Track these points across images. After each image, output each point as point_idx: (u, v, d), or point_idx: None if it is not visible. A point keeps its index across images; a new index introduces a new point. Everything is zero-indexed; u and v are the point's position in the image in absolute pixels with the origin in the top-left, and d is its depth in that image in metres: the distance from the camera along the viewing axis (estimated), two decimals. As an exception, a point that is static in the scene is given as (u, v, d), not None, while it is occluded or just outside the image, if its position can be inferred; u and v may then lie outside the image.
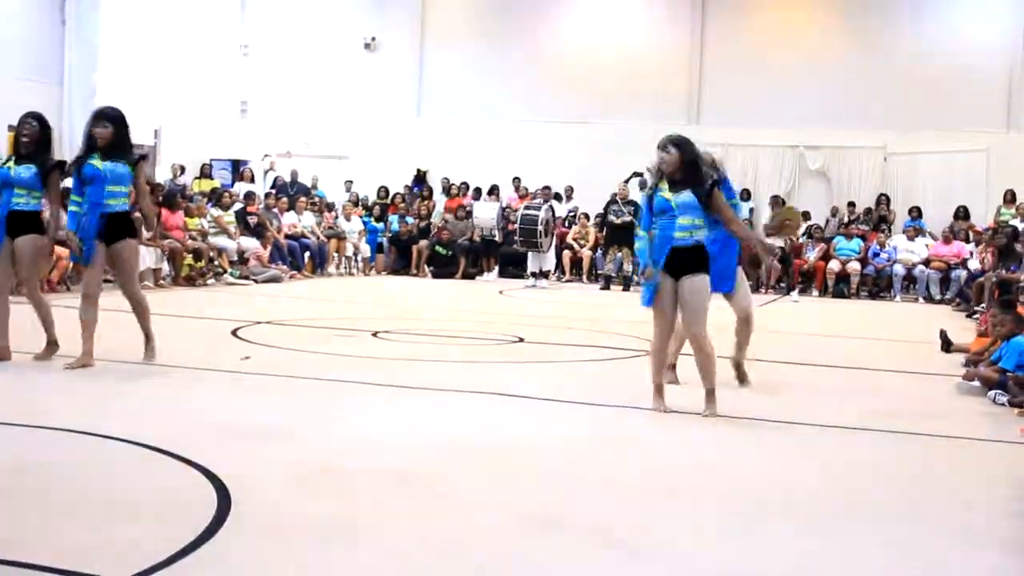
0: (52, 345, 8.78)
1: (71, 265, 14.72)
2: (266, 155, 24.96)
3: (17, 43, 20.09)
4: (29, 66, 20.33)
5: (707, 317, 7.28)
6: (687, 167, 7.21)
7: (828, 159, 23.55)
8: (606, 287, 20.02)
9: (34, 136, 8.68)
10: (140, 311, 8.84)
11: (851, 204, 22.85)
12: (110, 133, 8.46)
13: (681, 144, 7.28)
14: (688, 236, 7.16)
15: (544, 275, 20.36)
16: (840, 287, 20.71)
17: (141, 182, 8.77)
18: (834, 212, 22.87)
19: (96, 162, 8.42)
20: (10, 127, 13.28)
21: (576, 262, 21.89)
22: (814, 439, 6.96)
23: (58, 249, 14.45)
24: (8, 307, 8.74)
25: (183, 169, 22.05)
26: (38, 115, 8.88)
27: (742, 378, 8.59)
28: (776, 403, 7.98)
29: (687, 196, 7.16)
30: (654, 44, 24.75)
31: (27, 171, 8.60)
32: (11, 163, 8.70)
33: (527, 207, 20.55)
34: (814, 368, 9.89)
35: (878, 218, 22.51)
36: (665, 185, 7.26)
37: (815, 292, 20.61)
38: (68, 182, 9.36)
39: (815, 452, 6.58)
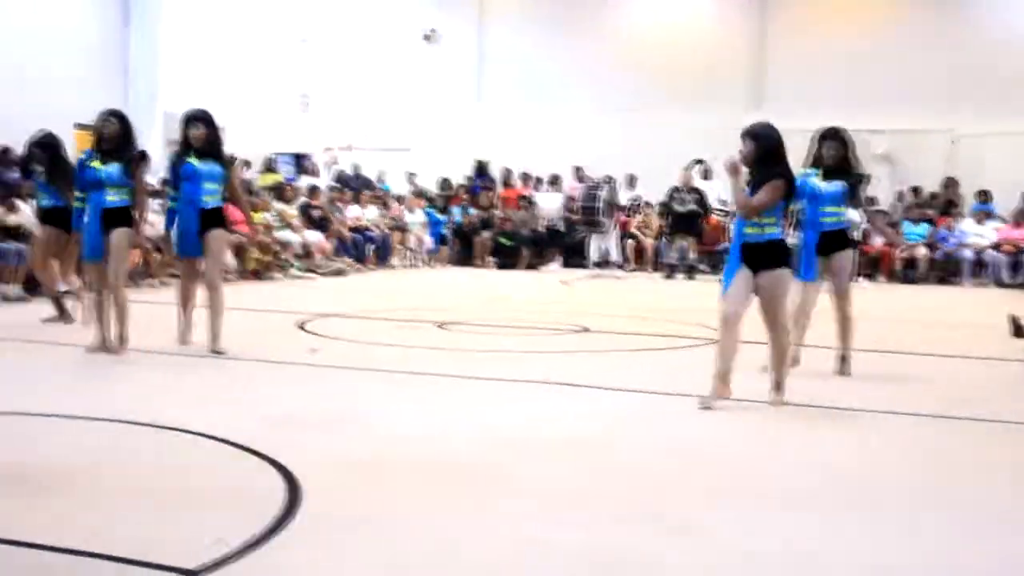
0: (123, 341, 8.93)
1: (140, 261, 14.95)
2: (328, 148, 25.09)
3: (82, 43, 20.35)
4: (94, 65, 20.58)
5: (785, 312, 7.19)
6: (762, 160, 7.01)
7: (893, 143, 23.25)
8: (670, 276, 19.93)
9: (115, 134, 8.93)
10: (214, 299, 9.15)
11: (915, 189, 22.54)
12: (204, 134, 9.04)
13: (759, 135, 7.06)
14: (759, 232, 6.99)
15: (608, 262, 20.27)
16: (908, 272, 20.45)
17: (234, 181, 9.39)
18: (900, 196, 22.58)
19: (193, 160, 9.01)
20: (77, 125, 13.48)
21: (640, 251, 21.80)
22: (882, 426, 6.87)
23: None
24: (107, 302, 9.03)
25: (248, 164, 22.23)
26: (117, 112, 9.22)
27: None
28: (843, 390, 7.89)
29: (747, 192, 7.02)
30: (717, 28, 24.59)
31: (114, 169, 8.87)
32: (96, 162, 8.93)
33: (587, 187, 20.51)
34: (881, 355, 9.76)
35: (945, 202, 22.19)
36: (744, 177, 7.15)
37: (882, 278, 20.37)
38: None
39: (882, 439, 6.49)
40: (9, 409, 6.49)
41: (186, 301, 9.46)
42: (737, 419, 6.89)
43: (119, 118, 9.07)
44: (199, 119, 9.12)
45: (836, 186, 8.28)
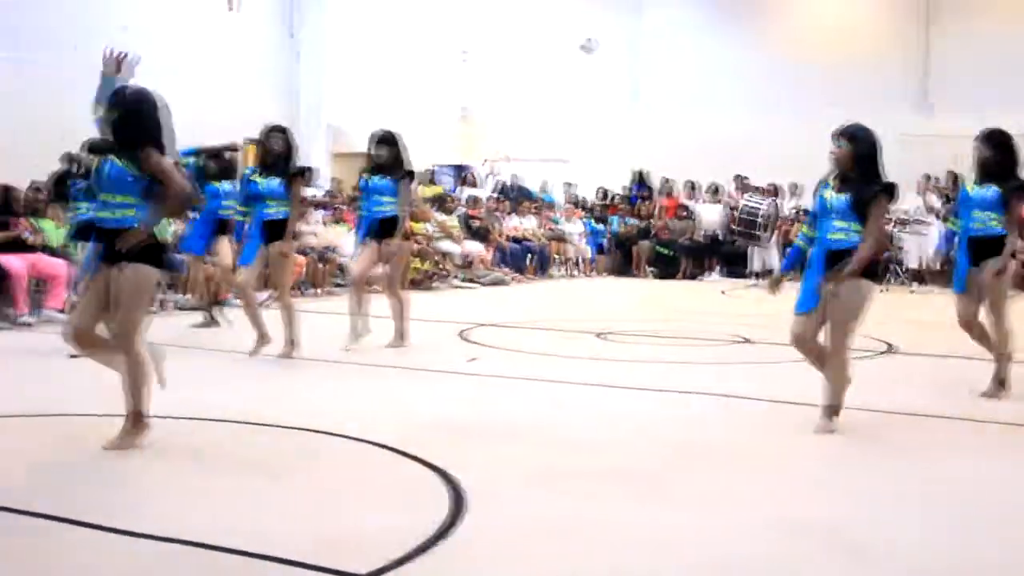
0: (292, 344, 9.33)
1: (305, 270, 15.34)
2: (487, 160, 25.35)
3: (253, 60, 20.97)
4: (264, 81, 21.20)
5: (852, 330, 6.66)
6: (860, 163, 6.61)
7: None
8: (831, 285, 19.48)
9: (280, 149, 9.28)
10: (392, 303, 10.11)
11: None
12: (387, 154, 9.80)
13: (856, 136, 6.67)
14: (844, 238, 6.60)
15: (768, 273, 20.01)
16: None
17: (404, 194, 10.00)
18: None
19: (372, 177, 9.83)
20: (247, 140, 13.88)
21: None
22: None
23: (293, 256, 15.07)
24: (256, 304, 9.57)
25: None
26: (283, 128, 9.67)
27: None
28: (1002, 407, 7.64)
29: (844, 199, 6.60)
30: (882, 30, 24.02)
31: (275, 183, 9.26)
32: (258, 176, 9.34)
33: (749, 198, 20.24)
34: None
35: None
36: (834, 182, 6.74)
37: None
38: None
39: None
40: (185, 413, 6.71)
41: (358, 304, 9.99)
42: (906, 431, 6.74)
43: (283, 133, 9.44)
44: (383, 140, 9.92)
45: (987, 191, 7.87)
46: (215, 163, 11.29)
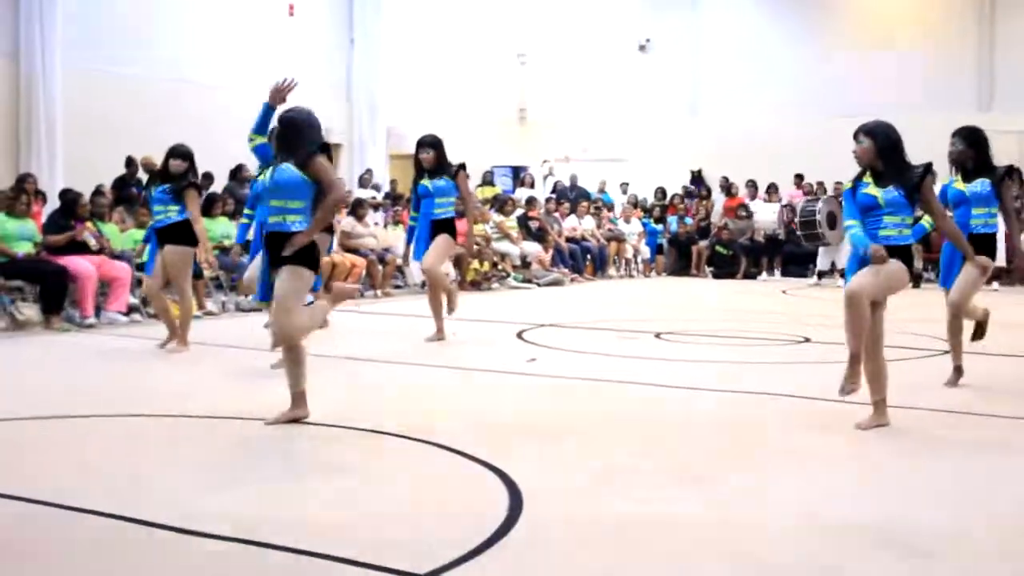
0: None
1: (364, 272, 15.42)
2: (545, 161, 25.37)
3: (312, 64, 21.14)
4: (323, 85, 21.37)
5: (875, 295, 6.50)
6: (885, 156, 6.57)
7: None
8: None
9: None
10: (447, 296, 10.40)
11: None
12: (432, 156, 10.14)
13: (874, 132, 6.64)
14: (897, 235, 6.53)
15: (832, 271, 19.83)
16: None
17: (463, 190, 10.44)
18: None
19: (425, 181, 10.14)
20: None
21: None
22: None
23: (352, 258, 15.18)
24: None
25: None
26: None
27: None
28: None
29: (894, 192, 6.51)
30: (943, 28, 23.72)
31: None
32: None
33: (806, 201, 20.08)
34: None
35: None
36: (869, 179, 6.64)
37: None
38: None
39: None
40: (240, 413, 6.77)
41: (433, 306, 10.42)
42: (971, 431, 6.67)
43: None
44: (426, 143, 10.19)
45: (979, 186, 7.88)
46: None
